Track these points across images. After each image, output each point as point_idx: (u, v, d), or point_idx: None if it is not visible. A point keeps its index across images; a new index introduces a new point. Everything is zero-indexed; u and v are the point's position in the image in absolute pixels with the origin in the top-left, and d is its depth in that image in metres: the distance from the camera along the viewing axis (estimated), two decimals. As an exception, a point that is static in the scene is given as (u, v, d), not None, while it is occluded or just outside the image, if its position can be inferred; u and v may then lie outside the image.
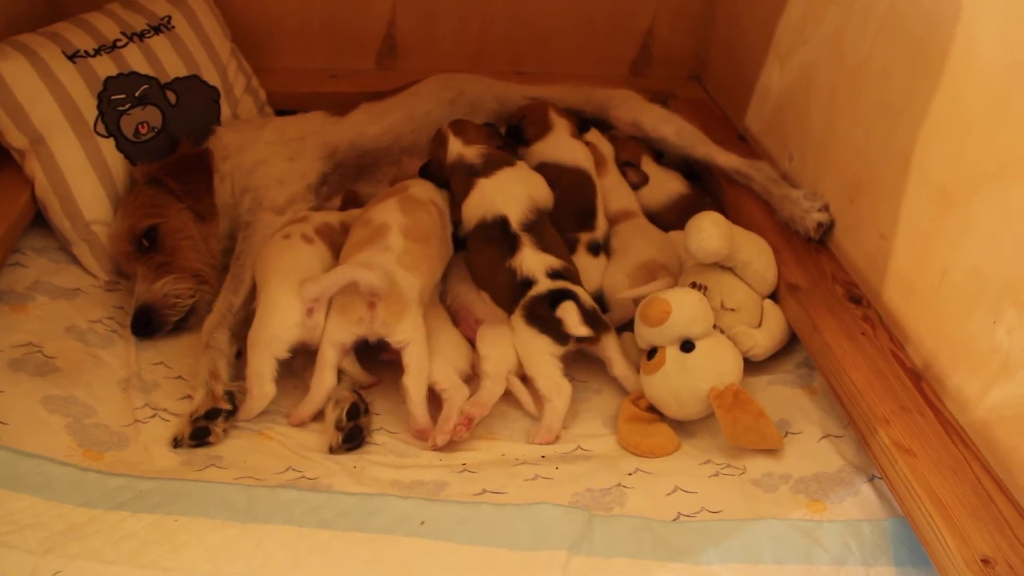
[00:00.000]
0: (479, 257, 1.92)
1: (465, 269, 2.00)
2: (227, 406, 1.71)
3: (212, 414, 1.68)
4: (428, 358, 1.74)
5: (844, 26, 1.91)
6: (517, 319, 1.80)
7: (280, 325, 1.75)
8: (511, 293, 1.82)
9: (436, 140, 2.12)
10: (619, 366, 1.82)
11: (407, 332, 1.72)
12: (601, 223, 2.10)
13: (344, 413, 1.70)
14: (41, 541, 1.36)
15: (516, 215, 1.90)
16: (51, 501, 1.44)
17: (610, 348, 1.82)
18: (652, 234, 2.09)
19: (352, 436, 1.68)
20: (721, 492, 1.56)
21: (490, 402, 1.76)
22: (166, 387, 1.81)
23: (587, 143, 2.25)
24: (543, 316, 1.77)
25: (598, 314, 1.81)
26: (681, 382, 1.70)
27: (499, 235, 1.88)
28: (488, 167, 2.00)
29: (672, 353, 1.72)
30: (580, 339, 1.77)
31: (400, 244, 1.82)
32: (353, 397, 1.73)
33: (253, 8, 2.64)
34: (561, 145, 2.18)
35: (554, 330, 1.76)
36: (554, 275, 1.82)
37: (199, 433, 1.66)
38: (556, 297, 1.77)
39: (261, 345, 1.74)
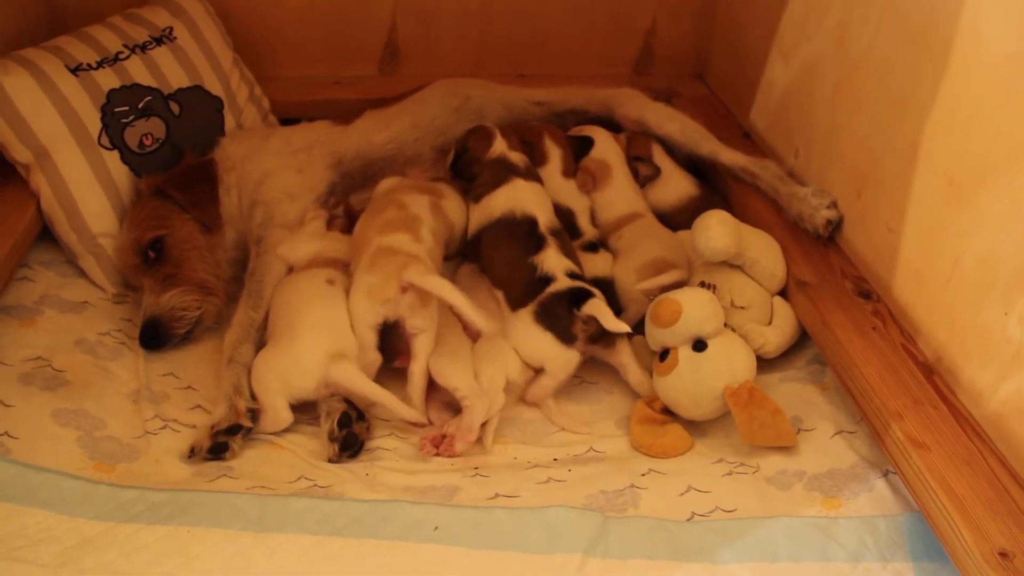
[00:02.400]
0: (497, 252, 1.92)
1: (474, 278, 1.99)
2: (248, 423, 1.70)
3: (233, 429, 1.67)
4: (433, 349, 1.75)
5: (847, 19, 1.90)
6: (525, 314, 1.79)
7: (299, 375, 1.72)
8: (527, 288, 1.82)
9: (479, 134, 2.10)
10: (633, 372, 1.81)
11: (427, 319, 1.74)
12: (587, 229, 2.10)
13: (335, 423, 1.68)
14: (54, 555, 1.36)
15: (544, 220, 1.92)
16: (63, 515, 1.43)
17: (623, 354, 1.81)
18: (660, 233, 2.09)
19: (348, 444, 1.67)
20: (735, 491, 1.56)
21: (474, 425, 1.70)
22: (176, 398, 1.80)
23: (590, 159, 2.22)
24: (556, 314, 1.76)
25: None
26: (695, 382, 1.69)
27: (526, 233, 1.89)
28: (528, 174, 2.04)
29: (685, 353, 1.71)
30: (594, 340, 1.77)
31: (430, 240, 1.88)
32: (343, 406, 1.72)
33: (254, 18, 2.64)
34: (549, 184, 2.11)
35: (562, 330, 1.76)
36: (572, 276, 1.82)
37: (218, 448, 1.65)
38: (576, 297, 1.77)
39: (271, 382, 1.72)
